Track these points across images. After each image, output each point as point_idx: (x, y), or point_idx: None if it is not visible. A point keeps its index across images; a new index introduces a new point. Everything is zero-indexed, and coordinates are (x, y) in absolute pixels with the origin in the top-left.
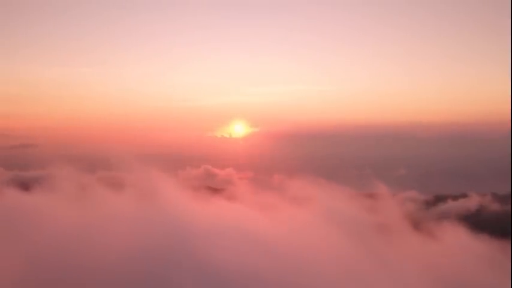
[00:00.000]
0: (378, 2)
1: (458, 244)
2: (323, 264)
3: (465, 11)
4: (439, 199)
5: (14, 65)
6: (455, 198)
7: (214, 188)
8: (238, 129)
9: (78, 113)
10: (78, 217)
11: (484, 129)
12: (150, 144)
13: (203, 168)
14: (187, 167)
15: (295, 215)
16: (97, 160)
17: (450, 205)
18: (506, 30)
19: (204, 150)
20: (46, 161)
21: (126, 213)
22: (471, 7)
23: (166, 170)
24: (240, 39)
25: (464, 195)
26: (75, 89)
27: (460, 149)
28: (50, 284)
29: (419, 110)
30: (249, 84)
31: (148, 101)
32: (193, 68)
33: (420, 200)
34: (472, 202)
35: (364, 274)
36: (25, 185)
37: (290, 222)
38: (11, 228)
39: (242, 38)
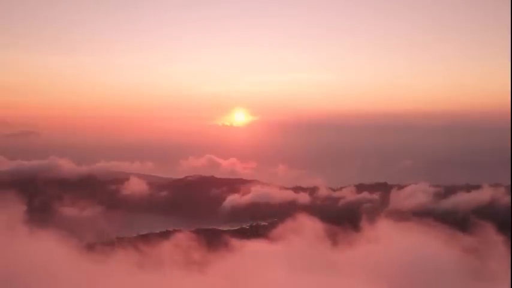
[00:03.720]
0: None
1: None
2: None
3: (466, 2)
4: (450, 191)
5: (14, 54)
6: (467, 189)
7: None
8: (239, 118)
9: (80, 101)
10: None
11: (487, 119)
12: (151, 133)
13: (206, 157)
14: (190, 157)
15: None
16: (98, 149)
17: (462, 197)
18: (507, 22)
19: (205, 139)
20: (48, 149)
21: None
22: None
23: (168, 160)
24: (240, 28)
25: (476, 187)
26: (75, 78)
27: (463, 139)
28: None
29: (421, 100)
30: (249, 73)
31: (148, 89)
32: (194, 56)
33: (430, 191)
34: (484, 194)
35: None
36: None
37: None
38: None
39: (243, 26)
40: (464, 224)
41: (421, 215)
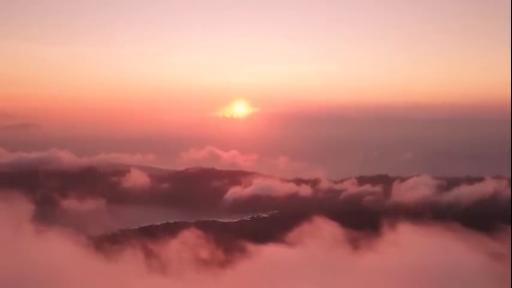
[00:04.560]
0: None
1: None
2: None
3: None
4: (453, 183)
5: (14, 45)
6: (469, 182)
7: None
8: (239, 110)
9: (79, 93)
10: None
11: (488, 111)
12: (152, 125)
13: (207, 149)
14: (191, 149)
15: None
16: (98, 141)
17: (465, 189)
18: (507, 13)
19: (206, 131)
20: (48, 141)
21: None
22: None
23: (169, 152)
24: (241, 18)
25: (479, 179)
26: (75, 69)
27: (464, 131)
28: None
29: (422, 92)
30: (249, 65)
31: (148, 81)
32: (194, 48)
33: (433, 184)
34: (488, 186)
35: None
36: None
37: None
38: None
39: (243, 16)
40: (490, 228)
41: (427, 207)
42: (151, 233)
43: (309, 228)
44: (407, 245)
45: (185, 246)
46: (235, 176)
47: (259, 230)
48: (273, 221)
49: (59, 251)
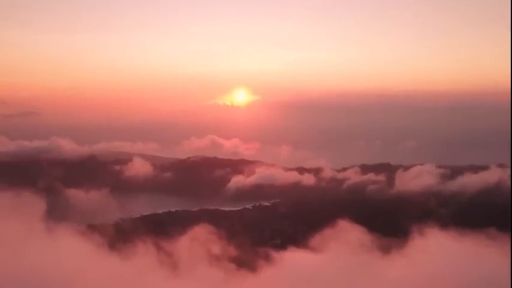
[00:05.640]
0: None
1: None
2: None
3: None
4: (456, 172)
5: (10, 32)
6: (474, 170)
7: None
8: (240, 98)
9: (78, 81)
10: None
11: (491, 99)
12: (153, 114)
13: (208, 138)
14: (192, 137)
15: None
16: (99, 129)
17: (469, 178)
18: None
19: (207, 119)
20: (49, 130)
21: None
22: None
23: (170, 140)
24: (241, 2)
25: (484, 168)
26: (72, 56)
27: (467, 119)
28: None
29: (424, 80)
30: (250, 51)
31: (148, 69)
32: (193, 34)
33: (437, 173)
34: (492, 175)
35: None
36: None
37: None
38: None
39: (242, 2)
40: None
41: (432, 196)
42: (154, 222)
43: (330, 231)
44: (436, 251)
45: (186, 236)
46: (238, 165)
47: (260, 219)
48: (274, 209)
49: (59, 244)
